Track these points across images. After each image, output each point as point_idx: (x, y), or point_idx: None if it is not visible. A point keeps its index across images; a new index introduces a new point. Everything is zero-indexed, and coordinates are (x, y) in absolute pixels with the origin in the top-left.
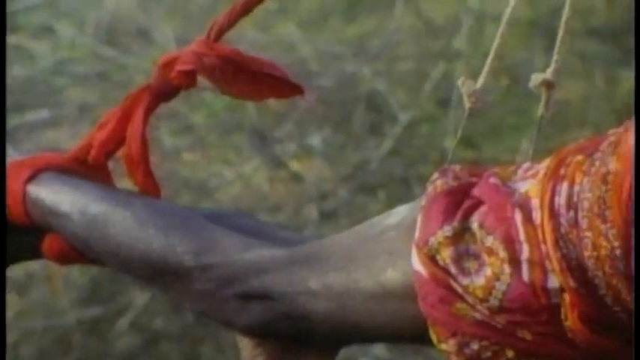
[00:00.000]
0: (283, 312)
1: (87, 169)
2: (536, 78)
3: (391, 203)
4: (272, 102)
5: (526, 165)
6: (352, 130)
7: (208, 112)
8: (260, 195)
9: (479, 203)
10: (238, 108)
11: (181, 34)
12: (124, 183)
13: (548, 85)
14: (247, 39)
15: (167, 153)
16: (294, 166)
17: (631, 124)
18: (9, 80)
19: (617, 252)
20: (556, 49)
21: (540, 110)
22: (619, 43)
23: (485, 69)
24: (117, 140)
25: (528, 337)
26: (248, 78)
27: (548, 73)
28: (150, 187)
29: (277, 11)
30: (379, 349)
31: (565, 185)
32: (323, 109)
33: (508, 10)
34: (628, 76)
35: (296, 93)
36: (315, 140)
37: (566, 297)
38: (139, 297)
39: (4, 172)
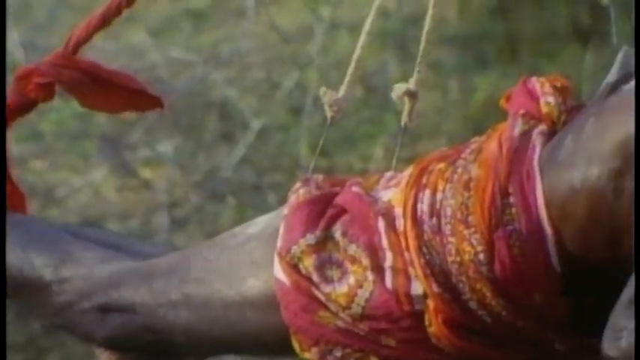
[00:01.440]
0: (144, 324)
1: None
2: (399, 88)
3: (242, 211)
4: None
5: (389, 174)
6: (203, 138)
7: (57, 118)
8: (109, 203)
9: (342, 212)
10: (87, 115)
11: (27, 39)
12: None
13: (411, 95)
14: (97, 47)
15: (14, 160)
16: (145, 173)
17: (493, 132)
18: None
19: (481, 256)
20: (418, 60)
21: (404, 120)
22: (472, 52)
23: (347, 78)
24: None
25: (392, 343)
26: (107, 91)
27: (411, 83)
28: (16, 200)
29: (127, 19)
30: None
31: (428, 193)
32: (174, 116)
33: (368, 21)
34: (481, 85)
35: (156, 106)
36: (166, 147)
37: (430, 303)
38: None
39: (4, 172)
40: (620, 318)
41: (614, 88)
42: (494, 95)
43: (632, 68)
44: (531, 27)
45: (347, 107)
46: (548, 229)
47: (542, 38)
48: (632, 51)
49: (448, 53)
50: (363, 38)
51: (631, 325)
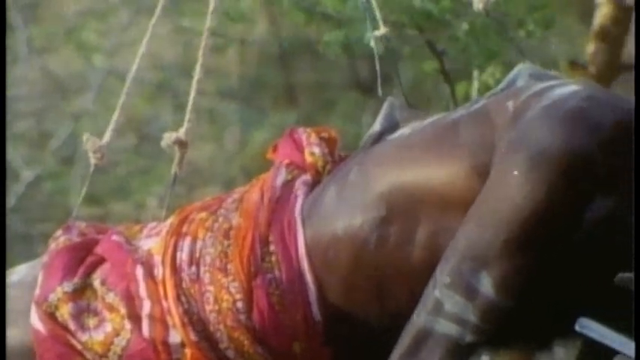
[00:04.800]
0: None
1: None
2: (168, 137)
3: (11, 261)
4: None
5: (152, 224)
6: None
7: None
8: None
9: (102, 260)
10: None
11: None
12: None
13: (181, 144)
14: None
15: None
16: None
17: (256, 181)
18: None
19: (239, 304)
20: (188, 109)
21: (174, 169)
22: (250, 102)
23: (111, 126)
24: None
25: None
26: None
27: (181, 133)
28: None
29: None
30: None
31: (188, 241)
32: None
33: (134, 68)
34: (258, 135)
35: None
36: None
37: (188, 352)
38: None
39: (4, 172)
40: None
41: (379, 138)
42: (271, 144)
43: (397, 119)
44: (310, 77)
45: (121, 156)
46: (309, 279)
47: (321, 88)
48: (397, 101)
49: (225, 103)
50: (128, 86)
51: None
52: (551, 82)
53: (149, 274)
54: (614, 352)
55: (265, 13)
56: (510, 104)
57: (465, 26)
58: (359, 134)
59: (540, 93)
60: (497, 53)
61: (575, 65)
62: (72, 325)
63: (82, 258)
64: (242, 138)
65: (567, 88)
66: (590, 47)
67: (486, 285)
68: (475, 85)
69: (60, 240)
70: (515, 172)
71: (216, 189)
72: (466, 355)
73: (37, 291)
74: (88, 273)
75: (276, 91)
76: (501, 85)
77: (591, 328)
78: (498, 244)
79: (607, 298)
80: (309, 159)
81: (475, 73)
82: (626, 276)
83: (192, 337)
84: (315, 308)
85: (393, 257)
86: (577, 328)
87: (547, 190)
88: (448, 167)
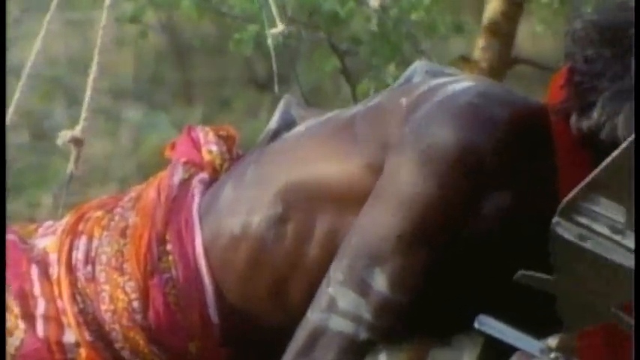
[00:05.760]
0: None
1: None
2: (64, 135)
3: None
4: None
5: (48, 223)
6: None
7: None
8: None
9: None
10: None
11: None
12: None
13: (77, 142)
14: None
15: None
16: None
17: (153, 180)
18: None
19: (135, 304)
20: (85, 107)
21: (70, 167)
22: (146, 99)
23: (6, 122)
24: None
25: None
26: None
27: (77, 131)
28: None
29: None
30: None
31: (84, 240)
32: None
33: (28, 65)
34: (154, 132)
35: None
36: None
37: (82, 352)
38: None
39: (4, 173)
40: None
41: (275, 135)
42: (168, 142)
43: (293, 116)
44: (206, 74)
45: (14, 153)
46: (206, 279)
47: (218, 85)
48: (294, 99)
49: (120, 100)
50: (23, 81)
51: None
52: (446, 79)
53: (44, 273)
54: (516, 349)
55: (159, 10)
56: (404, 101)
57: (371, 26)
58: (256, 131)
59: (434, 89)
60: (397, 52)
61: (467, 60)
62: None
63: None
64: (138, 136)
65: (460, 84)
66: (481, 42)
67: (380, 281)
68: (373, 84)
69: None
70: (407, 168)
71: (112, 187)
72: (362, 353)
73: None
74: None
75: (172, 89)
76: (398, 82)
77: (490, 325)
78: (392, 240)
79: (507, 295)
80: (206, 157)
81: (373, 72)
82: (527, 273)
83: (87, 336)
84: (211, 309)
85: (291, 256)
86: (476, 325)
87: (438, 185)
88: (343, 164)
